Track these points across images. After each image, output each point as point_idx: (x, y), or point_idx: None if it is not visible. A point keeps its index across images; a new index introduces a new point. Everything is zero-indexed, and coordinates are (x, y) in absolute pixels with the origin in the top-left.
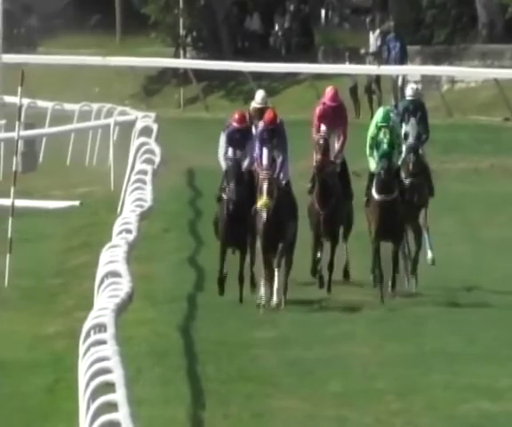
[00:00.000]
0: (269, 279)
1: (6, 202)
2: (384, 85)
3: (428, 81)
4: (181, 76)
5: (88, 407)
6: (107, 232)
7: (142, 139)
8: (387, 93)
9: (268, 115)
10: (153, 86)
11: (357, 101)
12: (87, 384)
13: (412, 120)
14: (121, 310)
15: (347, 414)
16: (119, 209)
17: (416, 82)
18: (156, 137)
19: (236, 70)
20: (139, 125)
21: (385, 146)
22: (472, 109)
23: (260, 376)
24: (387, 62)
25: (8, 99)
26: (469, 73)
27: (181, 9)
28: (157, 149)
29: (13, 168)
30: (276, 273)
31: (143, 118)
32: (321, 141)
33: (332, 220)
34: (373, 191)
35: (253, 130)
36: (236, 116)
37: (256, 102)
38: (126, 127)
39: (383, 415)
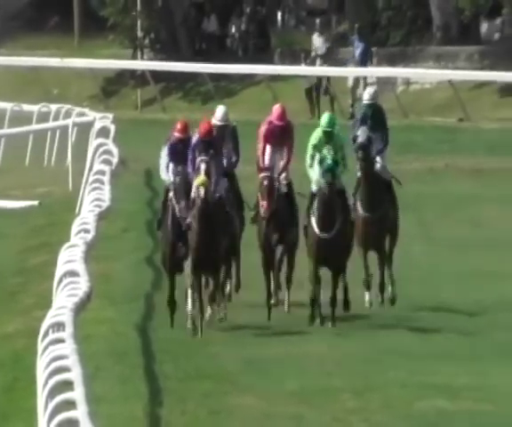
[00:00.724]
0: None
1: None
2: (344, 86)
3: (383, 83)
4: (139, 78)
5: (46, 405)
6: (65, 232)
7: (100, 140)
8: (345, 94)
9: (203, 127)
10: (111, 88)
11: (313, 102)
12: (45, 382)
13: (363, 126)
14: (79, 309)
15: (303, 412)
16: (77, 209)
17: (372, 83)
18: (114, 138)
19: (193, 72)
20: (97, 126)
21: (329, 161)
22: (427, 111)
23: (217, 374)
24: (352, 62)
25: None
26: (424, 75)
27: (139, 11)
28: (115, 150)
29: None
30: (208, 308)
31: (101, 119)
32: (265, 183)
33: (283, 243)
34: (313, 222)
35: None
36: (179, 125)
37: (216, 120)
38: (84, 128)
39: (340, 413)
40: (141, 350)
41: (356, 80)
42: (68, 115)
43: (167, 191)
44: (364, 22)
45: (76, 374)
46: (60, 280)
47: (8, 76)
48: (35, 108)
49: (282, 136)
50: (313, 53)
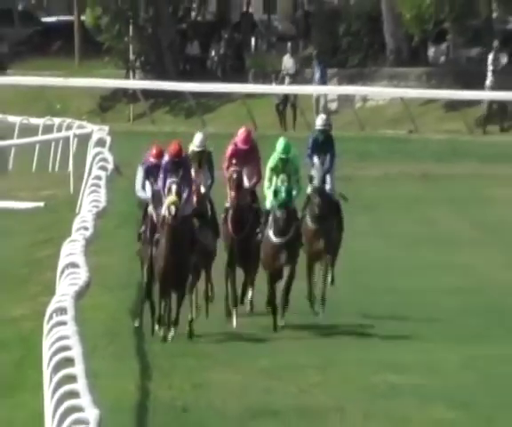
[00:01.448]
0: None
1: None
2: (308, 102)
3: (343, 99)
4: (131, 95)
5: (51, 379)
6: (67, 229)
7: (97, 149)
8: (309, 109)
9: (173, 147)
10: (106, 104)
11: (283, 117)
12: (50, 359)
13: (316, 163)
14: (79, 295)
15: (274, 385)
16: (78, 209)
17: (332, 100)
18: (110, 147)
19: (178, 90)
20: (94, 137)
21: (283, 194)
22: (381, 124)
23: (199, 353)
24: (311, 83)
25: None
26: (379, 92)
27: (131, 37)
28: (110, 158)
29: None
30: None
31: (98, 131)
32: (234, 175)
33: (246, 246)
34: (270, 233)
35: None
36: (154, 151)
37: (195, 146)
38: (83, 139)
39: (305, 386)
40: (133, 332)
41: (318, 97)
42: (69, 127)
43: (146, 206)
44: (327, 47)
45: (76, 353)
46: (63, 271)
47: (17, 93)
48: (40, 121)
49: (246, 158)
50: (283, 72)
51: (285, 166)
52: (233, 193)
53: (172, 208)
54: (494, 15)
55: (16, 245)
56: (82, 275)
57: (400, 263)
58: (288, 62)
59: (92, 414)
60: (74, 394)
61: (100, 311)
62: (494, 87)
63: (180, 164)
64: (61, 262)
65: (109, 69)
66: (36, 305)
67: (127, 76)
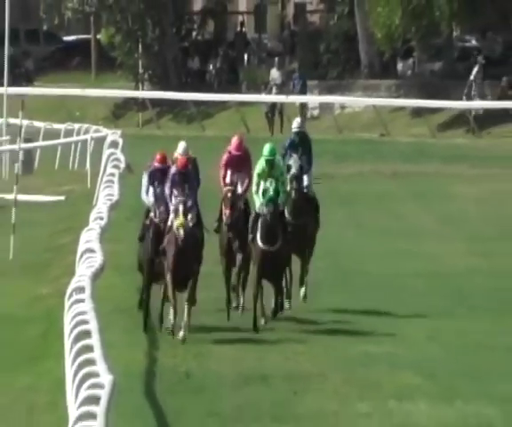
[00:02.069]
0: (174, 306)
1: (10, 196)
2: (292, 110)
3: (324, 107)
4: (140, 104)
5: (71, 350)
6: (85, 219)
7: (111, 150)
8: (294, 115)
9: (180, 160)
10: (119, 111)
11: (271, 122)
12: (70, 332)
13: (294, 156)
14: (95, 277)
15: (264, 355)
16: (94, 202)
17: (313, 108)
18: (122, 148)
19: (180, 99)
20: (108, 140)
21: (271, 192)
22: (357, 128)
23: (200, 328)
24: (292, 93)
25: (12, 121)
26: (355, 101)
27: (140, 53)
28: (122, 158)
29: (15, 171)
30: (185, 307)
31: (112, 135)
32: (229, 195)
33: (242, 253)
34: (258, 238)
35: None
36: (158, 156)
37: (178, 153)
38: (99, 141)
39: (291, 355)
40: (145, 352)
41: (301, 105)
42: (86, 131)
43: (148, 212)
44: (310, 62)
45: (92, 326)
46: (81, 255)
47: (41, 102)
48: (62, 126)
49: (239, 163)
50: (271, 83)
51: (271, 169)
52: (227, 211)
53: (181, 231)
54: (454, 34)
55: (41, 234)
56: (98, 259)
57: (372, 250)
58: (275, 75)
59: (106, 379)
60: (91, 362)
61: (113, 291)
62: (480, 95)
63: (186, 175)
64: (80, 248)
65: (121, 82)
66: (59, 285)
67: (136, 88)
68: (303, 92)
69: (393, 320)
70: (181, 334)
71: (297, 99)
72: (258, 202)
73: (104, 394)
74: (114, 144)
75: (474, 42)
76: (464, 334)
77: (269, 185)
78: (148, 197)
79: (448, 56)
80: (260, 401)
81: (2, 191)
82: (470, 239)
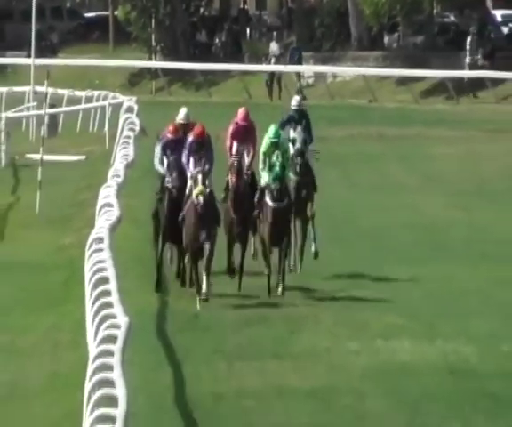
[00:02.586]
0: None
1: (37, 157)
2: (289, 78)
3: (318, 76)
4: (153, 73)
5: (91, 294)
6: (103, 177)
7: (127, 115)
8: (291, 83)
9: (197, 129)
10: (134, 79)
11: (271, 89)
12: (90, 278)
13: (298, 128)
14: (113, 228)
15: (264, 300)
16: (112, 161)
17: (309, 77)
18: (137, 113)
19: (189, 69)
20: (125, 105)
21: (277, 169)
22: (347, 95)
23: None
24: (289, 63)
25: (38, 88)
26: (345, 71)
27: (153, 28)
28: (137, 122)
29: (41, 134)
30: (203, 274)
31: (128, 101)
32: (235, 164)
33: (243, 224)
34: (268, 199)
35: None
36: (171, 128)
37: (179, 119)
38: (116, 107)
39: (288, 300)
40: (154, 257)
41: (297, 74)
42: (105, 98)
43: (163, 179)
44: (305, 36)
45: (110, 273)
46: (100, 209)
47: (65, 72)
48: (83, 93)
49: (245, 134)
50: (270, 55)
51: (276, 149)
52: (233, 178)
53: (200, 198)
54: (435, 11)
55: (64, 190)
56: (115, 212)
57: (362, 205)
58: (274, 47)
59: (122, 320)
60: (108, 305)
61: (129, 241)
62: (473, 63)
63: (203, 143)
64: (99, 203)
65: (136, 53)
66: (80, 236)
67: (150, 58)
68: (299, 62)
69: (380, 267)
70: (204, 292)
71: (293, 68)
72: (264, 178)
73: (120, 334)
74: (129, 109)
75: (452, 18)
76: (444, 280)
77: (276, 159)
78: (161, 167)
79: (429, 31)
80: (260, 340)
81: (29, 152)
82: (449, 194)
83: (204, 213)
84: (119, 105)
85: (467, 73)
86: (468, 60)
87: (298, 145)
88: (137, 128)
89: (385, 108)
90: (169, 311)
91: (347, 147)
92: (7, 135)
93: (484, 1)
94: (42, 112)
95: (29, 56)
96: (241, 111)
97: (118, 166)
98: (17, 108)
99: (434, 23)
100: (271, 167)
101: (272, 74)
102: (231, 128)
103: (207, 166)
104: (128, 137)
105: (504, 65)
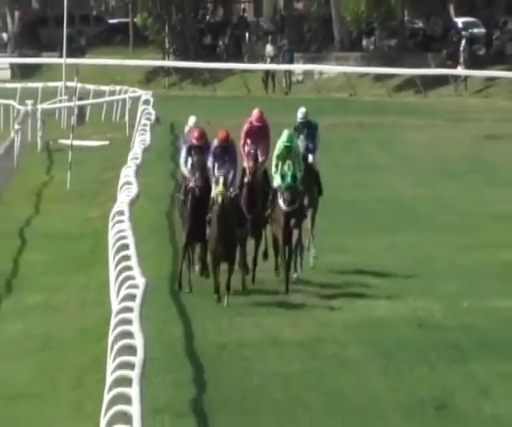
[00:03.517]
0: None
1: (67, 142)
2: (281, 75)
3: (306, 73)
4: (166, 71)
5: (114, 258)
6: (124, 159)
7: (144, 106)
8: (284, 79)
9: (221, 134)
10: (150, 76)
11: (266, 85)
12: (113, 245)
13: (301, 137)
14: (132, 203)
15: (261, 320)
16: (131, 146)
17: (298, 74)
18: (153, 105)
19: (197, 67)
20: (142, 98)
21: (289, 179)
22: (332, 89)
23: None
24: (282, 63)
25: (69, 84)
26: (330, 69)
27: (167, 32)
28: (153, 112)
29: (71, 123)
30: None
31: (145, 95)
32: (252, 151)
33: (257, 221)
34: (280, 202)
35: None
36: (196, 134)
37: (189, 126)
38: (135, 100)
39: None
40: (167, 226)
41: (289, 71)
42: (125, 92)
43: (187, 181)
44: (296, 39)
45: (130, 241)
46: (122, 187)
47: (91, 70)
48: (106, 88)
49: (259, 134)
50: (266, 56)
51: (289, 153)
52: (251, 163)
53: (219, 198)
54: (406, 18)
55: (90, 170)
56: (134, 189)
57: (344, 182)
58: (269, 49)
59: (140, 280)
60: (128, 268)
61: (146, 214)
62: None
63: (227, 148)
64: (121, 181)
65: (152, 54)
66: (104, 209)
67: (164, 58)
68: (290, 62)
69: (360, 235)
70: (225, 302)
71: (285, 67)
72: (277, 180)
73: (139, 292)
74: (146, 102)
75: (420, 24)
76: (414, 246)
77: (287, 170)
78: (186, 169)
79: (401, 35)
80: (258, 299)
81: (61, 138)
82: (418, 174)
83: (226, 215)
84: (137, 98)
85: (432, 71)
86: (461, 59)
87: (300, 150)
88: (152, 118)
89: (363, 101)
90: (181, 275)
91: (331, 133)
92: (42, 124)
93: (448, 10)
94: (72, 104)
95: (61, 56)
96: (255, 112)
97: (137, 150)
98: (51, 100)
99: (405, 28)
100: (283, 177)
101: (267, 72)
102: (245, 128)
103: (232, 172)
104: (145, 125)
105: (466, 63)
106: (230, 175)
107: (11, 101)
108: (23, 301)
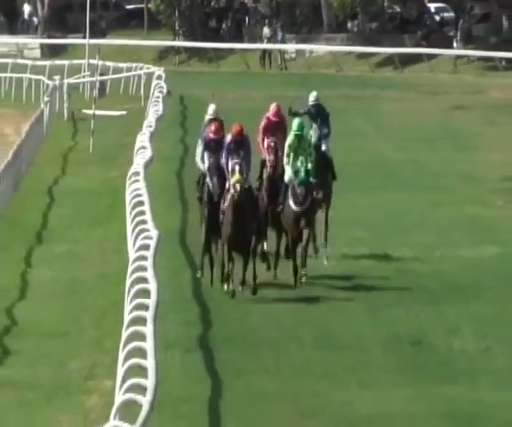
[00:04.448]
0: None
1: (90, 112)
2: (276, 53)
3: (299, 52)
4: (176, 50)
5: (130, 213)
6: (139, 126)
7: (157, 81)
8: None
9: (235, 128)
10: (162, 55)
11: (263, 62)
12: (129, 202)
13: (314, 125)
14: (147, 165)
15: (259, 267)
16: (146, 115)
17: (291, 53)
18: (164, 80)
19: (203, 47)
20: (156, 74)
21: (302, 174)
22: (321, 66)
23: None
24: (277, 43)
25: (91, 61)
26: (319, 48)
27: (177, 17)
28: (165, 86)
29: (94, 95)
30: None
31: (158, 71)
32: (272, 144)
33: (278, 213)
34: (291, 202)
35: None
36: (213, 127)
37: (209, 114)
38: (149, 75)
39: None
40: (178, 186)
41: (283, 50)
42: (141, 68)
43: (203, 177)
44: (289, 22)
45: (144, 198)
46: (138, 150)
47: (111, 50)
48: (124, 65)
49: (276, 129)
50: (263, 37)
51: (300, 142)
52: (271, 157)
53: (237, 186)
54: (385, 4)
55: (110, 136)
56: (148, 153)
57: (332, 148)
58: (266, 31)
59: (154, 233)
60: (143, 222)
61: (159, 175)
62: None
63: (241, 142)
64: (136, 146)
65: (164, 35)
66: (123, 170)
67: (174, 39)
68: (284, 42)
69: (345, 194)
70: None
71: (280, 46)
72: (288, 173)
73: (152, 243)
74: (159, 77)
75: (398, 9)
76: (393, 203)
77: (300, 165)
78: (202, 164)
79: (381, 19)
80: (258, 271)
81: (84, 108)
82: (397, 140)
83: (243, 204)
84: (151, 74)
85: (408, 50)
86: (458, 37)
87: (313, 139)
88: (164, 91)
89: (348, 76)
90: (189, 228)
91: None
92: (68, 96)
93: None
94: (94, 79)
95: (85, 38)
96: (273, 107)
97: (151, 119)
98: (75, 76)
99: (384, 13)
100: (296, 172)
101: (264, 51)
102: (263, 123)
103: (247, 166)
104: (158, 97)
105: (436, 44)
106: (244, 163)
107: (41, 77)
108: (51, 250)
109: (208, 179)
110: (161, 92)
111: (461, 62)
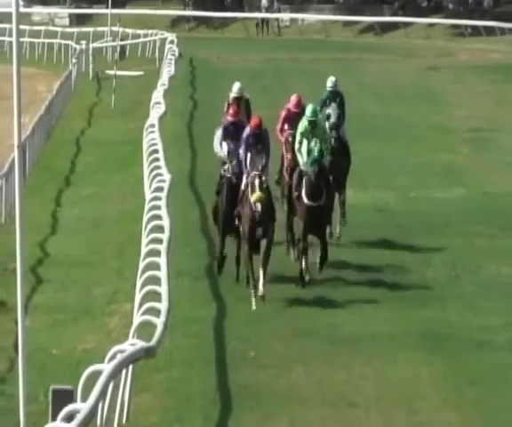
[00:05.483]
0: (252, 273)
1: (112, 72)
2: (273, 23)
3: (292, 20)
4: (186, 19)
5: (147, 159)
6: (155, 85)
7: (170, 45)
8: (276, 25)
9: (254, 121)
10: (175, 23)
11: (261, 29)
12: (146, 150)
13: (333, 104)
14: (161, 118)
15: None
16: (160, 75)
17: (286, 21)
18: (177, 44)
19: (210, 16)
20: (169, 39)
21: (315, 154)
22: (312, 32)
23: None
24: (274, 12)
25: (113, 28)
26: (310, 17)
27: None
28: (177, 50)
29: (115, 58)
30: (260, 270)
31: (170, 36)
32: (290, 139)
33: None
34: (303, 194)
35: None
36: (231, 110)
37: (233, 93)
38: (163, 40)
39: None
40: (188, 136)
41: (278, 19)
42: (156, 34)
43: (223, 164)
44: None
45: (159, 146)
46: (153, 106)
47: (130, 18)
48: (141, 31)
49: (297, 120)
50: (262, 6)
51: (314, 128)
52: (289, 155)
53: (258, 206)
54: None
55: (129, 93)
56: (162, 108)
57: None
58: (264, 1)
59: (167, 176)
60: (158, 167)
61: (171, 125)
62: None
63: (260, 135)
64: (152, 101)
65: (176, 6)
66: (140, 123)
67: (185, 9)
68: (279, 11)
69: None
70: (261, 291)
71: (276, 15)
72: (301, 160)
73: (166, 185)
74: (171, 42)
75: None
76: (373, 151)
77: (314, 145)
78: (221, 150)
79: None
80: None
81: (107, 69)
82: (376, 96)
83: (262, 215)
84: (165, 39)
85: (387, 18)
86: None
87: (333, 119)
88: (176, 54)
89: (335, 41)
90: (198, 172)
91: (311, 66)
92: (93, 59)
93: None
94: (115, 44)
95: (107, 7)
96: (293, 98)
97: (164, 78)
98: (99, 41)
99: None
100: (309, 152)
101: (262, 19)
102: (283, 113)
103: (264, 159)
104: (170, 59)
105: (412, 13)
106: (263, 161)
107: (69, 42)
108: (78, 192)
109: (227, 163)
110: (173, 55)
111: (432, 30)
